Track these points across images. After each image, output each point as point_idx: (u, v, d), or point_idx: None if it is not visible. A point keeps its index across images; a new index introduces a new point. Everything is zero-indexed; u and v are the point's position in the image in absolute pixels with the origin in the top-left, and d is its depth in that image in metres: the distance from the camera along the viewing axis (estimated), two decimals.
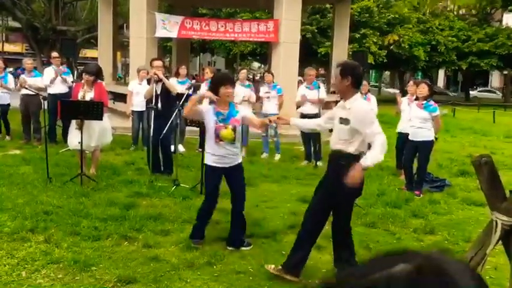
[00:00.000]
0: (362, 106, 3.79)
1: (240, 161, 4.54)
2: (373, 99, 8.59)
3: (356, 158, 3.71)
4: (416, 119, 6.79)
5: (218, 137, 4.31)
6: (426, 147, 6.80)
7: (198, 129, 7.71)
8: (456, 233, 5.24)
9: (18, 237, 4.46)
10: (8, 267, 3.86)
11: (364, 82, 8.84)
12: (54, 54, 9.73)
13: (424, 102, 6.73)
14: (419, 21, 29.56)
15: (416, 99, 6.95)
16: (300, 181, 7.38)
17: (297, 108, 8.92)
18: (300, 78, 14.16)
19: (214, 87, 4.42)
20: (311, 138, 8.58)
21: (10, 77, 9.70)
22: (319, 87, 8.56)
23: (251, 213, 5.57)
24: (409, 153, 7.06)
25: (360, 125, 3.68)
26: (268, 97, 8.96)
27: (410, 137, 6.94)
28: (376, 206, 6.08)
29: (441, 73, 47.36)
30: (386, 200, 6.29)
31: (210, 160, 4.43)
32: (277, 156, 8.99)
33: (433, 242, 4.96)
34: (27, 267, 3.89)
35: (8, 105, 9.72)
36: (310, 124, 4.80)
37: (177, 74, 9.75)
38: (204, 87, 9.31)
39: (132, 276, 3.77)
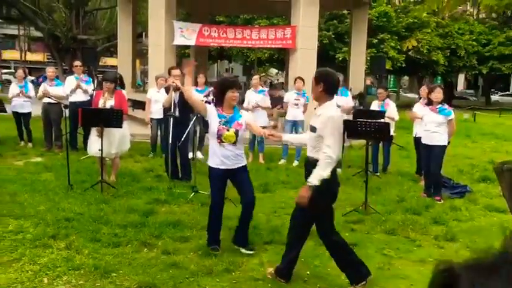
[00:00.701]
0: (328, 113, 3.71)
1: (244, 164, 4.58)
2: (392, 105, 8.53)
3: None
4: (431, 124, 6.73)
5: (220, 138, 4.38)
6: (439, 151, 6.73)
7: None
8: (478, 239, 5.15)
9: (40, 243, 4.53)
10: (30, 274, 3.92)
11: (381, 90, 8.83)
12: (77, 63, 9.90)
13: (439, 106, 6.67)
14: (438, 25, 29.23)
15: (430, 103, 6.86)
16: None
17: None
18: None
19: (220, 91, 4.49)
20: None
21: (30, 86, 9.93)
22: (348, 94, 8.52)
23: (269, 220, 5.58)
24: (426, 158, 6.97)
25: (322, 132, 3.69)
26: (297, 104, 8.92)
27: (423, 141, 6.88)
28: (396, 212, 6.02)
29: (461, 77, 46.76)
30: (406, 207, 6.23)
31: (212, 162, 4.48)
32: (296, 163, 8.97)
33: (455, 249, 4.88)
34: (49, 273, 3.95)
35: (30, 113, 9.94)
36: (301, 139, 4.75)
37: (195, 83, 9.82)
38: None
39: (151, 282, 3.79)
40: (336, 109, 3.99)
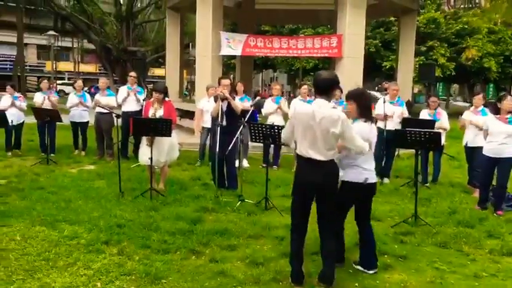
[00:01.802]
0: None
1: None
2: (444, 114, 8.29)
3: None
4: (499, 135, 6.38)
5: None
6: (509, 164, 6.40)
7: (261, 144, 7.81)
8: None
9: (93, 249, 4.69)
10: (84, 278, 4.06)
11: (434, 98, 8.61)
12: (132, 73, 10.17)
13: (509, 116, 6.35)
14: (490, 31, 28.27)
15: (497, 112, 6.55)
16: None
17: None
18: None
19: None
20: (386, 155, 8.36)
21: (88, 96, 10.33)
22: (403, 103, 8.39)
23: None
24: (488, 170, 6.66)
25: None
26: None
27: (487, 153, 6.56)
28: (448, 224, 5.83)
29: None
30: (459, 219, 6.01)
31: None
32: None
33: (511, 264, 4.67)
34: (102, 278, 4.07)
35: (87, 122, 10.35)
36: None
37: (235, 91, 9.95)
38: (269, 103, 9.44)
39: None
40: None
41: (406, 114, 8.41)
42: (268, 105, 9.40)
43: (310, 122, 3.86)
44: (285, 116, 9.43)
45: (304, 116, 3.93)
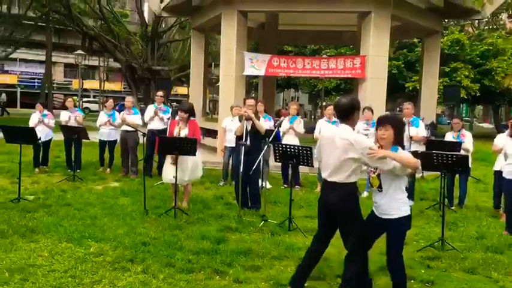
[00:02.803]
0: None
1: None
2: (468, 136, 8.18)
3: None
4: None
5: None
6: None
7: (279, 164, 7.80)
8: None
9: (119, 266, 4.73)
10: None
11: (457, 120, 8.52)
12: (160, 93, 10.37)
13: None
14: None
15: None
16: None
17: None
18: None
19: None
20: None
21: (117, 115, 10.49)
22: (419, 125, 8.33)
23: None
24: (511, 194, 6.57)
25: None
26: (367, 134, 8.81)
27: (507, 176, 6.46)
28: (475, 250, 5.71)
29: None
30: (487, 244, 5.88)
31: None
32: (365, 194, 8.77)
33: None
34: None
35: (116, 140, 10.53)
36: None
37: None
38: (285, 122, 9.44)
39: None
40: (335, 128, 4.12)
41: (422, 134, 8.33)
42: (284, 125, 9.37)
43: (331, 146, 3.96)
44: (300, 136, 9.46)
45: (327, 139, 4.08)
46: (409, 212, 3.90)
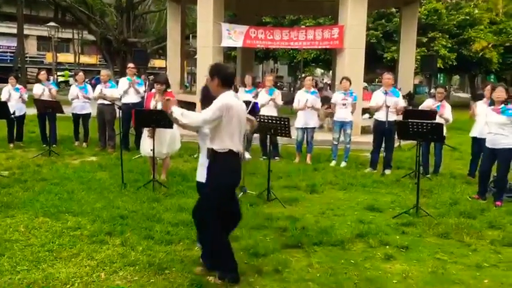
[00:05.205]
0: (216, 100, 3.84)
1: None
2: (448, 107, 8.28)
3: (217, 154, 3.88)
4: (493, 125, 6.43)
5: None
6: (506, 155, 6.42)
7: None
8: None
9: (97, 239, 4.72)
10: (88, 268, 4.09)
11: (441, 89, 8.66)
12: (130, 65, 10.21)
13: (502, 106, 6.37)
14: (492, 22, 28.14)
15: (492, 103, 6.61)
16: (367, 189, 7.26)
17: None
18: (365, 84, 13.95)
19: None
20: (386, 146, 8.36)
21: (89, 88, 10.33)
22: (398, 95, 8.37)
23: (318, 221, 5.57)
24: (487, 161, 6.71)
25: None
26: (345, 104, 8.86)
27: (487, 144, 6.61)
28: (449, 215, 5.85)
29: None
30: (460, 210, 6.04)
31: None
32: (343, 164, 8.88)
33: None
34: (106, 268, 4.10)
35: (89, 114, 10.36)
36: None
37: (243, 84, 9.94)
38: (263, 94, 9.39)
39: (204, 280, 3.87)
40: (234, 98, 3.94)
41: (402, 105, 8.39)
42: (262, 97, 9.30)
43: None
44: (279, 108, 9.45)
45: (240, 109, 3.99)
46: None
